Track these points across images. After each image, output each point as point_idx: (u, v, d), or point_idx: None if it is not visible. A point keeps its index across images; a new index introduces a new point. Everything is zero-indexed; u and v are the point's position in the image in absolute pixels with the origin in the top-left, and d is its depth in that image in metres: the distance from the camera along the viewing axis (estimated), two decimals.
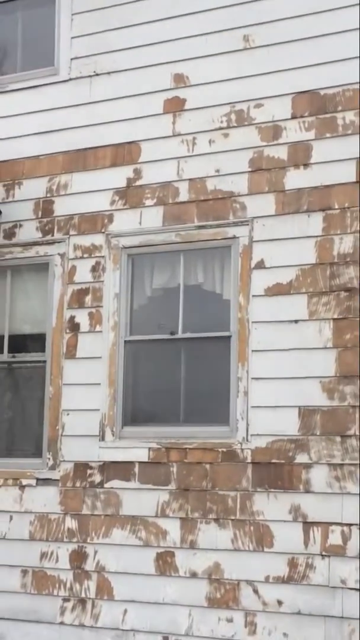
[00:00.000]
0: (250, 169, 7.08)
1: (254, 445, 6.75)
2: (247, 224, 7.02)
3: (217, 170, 7.18)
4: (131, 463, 7.11)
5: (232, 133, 7.17)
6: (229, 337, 7.00)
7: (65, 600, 7.19)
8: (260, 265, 6.94)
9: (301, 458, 6.60)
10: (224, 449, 6.83)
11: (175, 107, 7.40)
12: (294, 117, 6.98)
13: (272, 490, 6.65)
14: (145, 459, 7.06)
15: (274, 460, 6.68)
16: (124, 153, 7.53)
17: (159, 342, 7.34)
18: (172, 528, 6.91)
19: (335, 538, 6.42)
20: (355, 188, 6.72)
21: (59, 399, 7.48)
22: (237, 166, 7.11)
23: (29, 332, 7.91)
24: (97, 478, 7.21)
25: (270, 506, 6.63)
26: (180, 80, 7.40)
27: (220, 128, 7.21)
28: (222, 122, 7.21)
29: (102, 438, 7.25)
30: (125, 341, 7.35)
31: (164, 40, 7.48)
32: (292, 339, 6.75)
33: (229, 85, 7.21)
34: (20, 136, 7.92)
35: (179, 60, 7.41)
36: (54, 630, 7.18)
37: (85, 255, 7.56)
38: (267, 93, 7.08)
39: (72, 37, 7.87)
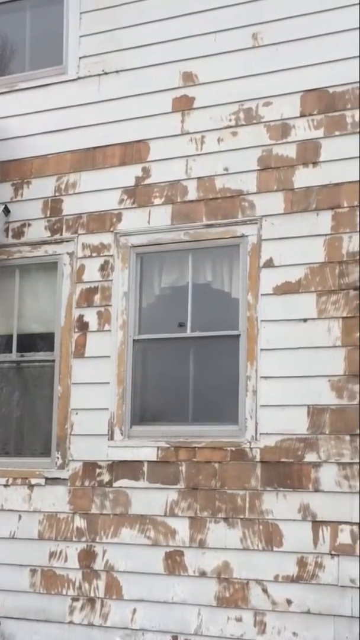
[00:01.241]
0: (259, 168, 7.06)
1: (263, 444, 6.74)
2: (256, 223, 7.01)
3: (226, 169, 7.16)
4: (140, 462, 7.10)
5: (241, 131, 7.16)
6: (237, 336, 6.99)
7: (75, 599, 7.19)
8: (269, 263, 6.92)
9: (310, 457, 6.59)
10: (233, 448, 6.82)
11: (184, 105, 7.39)
12: (302, 115, 6.97)
13: (281, 489, 6.64)
14: (154, 458, 7.05)
15: (283, 459, 6.66)
16: (132, 152, 7.52)
17: (167, 341, 7.33)
18: (181, 527, 6.90)
19: (344, 537, 6.40)
20: None
21: (67, 398, 7.47)
22: (246, 165, 7.09)
23: (37, 331, 7.91)
24: (106, 477, 7.20)
25: (280, 505, 6.62)
26: (189, 78, 7.39)
27: (229, 126, 7.20)
28: (230, 120, 7.20)
29: (111, 437, 7.24)
30: (134, 340, 7.35)
31: (172, 38, 7.47)
32: (301, 338, 6.73)
33: (238, 83, 7.20)
34: (29, 135, 7.91)
35: (188, 59, 7.39)
36: (63, 630, 7.17)
37: (94, 254, 7.56)
38: (276, 91, 7.07)
39: (81, 36, 7.86)
